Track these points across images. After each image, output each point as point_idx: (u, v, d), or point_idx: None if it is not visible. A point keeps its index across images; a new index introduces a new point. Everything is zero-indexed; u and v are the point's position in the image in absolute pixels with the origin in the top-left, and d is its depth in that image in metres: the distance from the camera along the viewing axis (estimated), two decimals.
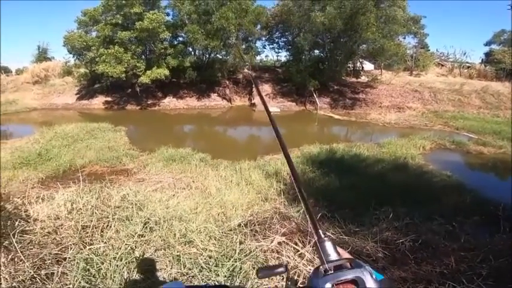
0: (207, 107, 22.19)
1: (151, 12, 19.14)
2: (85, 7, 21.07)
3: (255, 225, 3.45)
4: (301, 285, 0.51)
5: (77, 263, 2.47)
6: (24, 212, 3.52)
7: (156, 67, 20.52)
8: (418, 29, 20.80)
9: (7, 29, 76.85)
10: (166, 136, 12.86)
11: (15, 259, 2.47)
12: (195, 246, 2.87)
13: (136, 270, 2.54)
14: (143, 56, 21.22)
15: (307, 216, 0.67)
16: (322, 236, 0.57)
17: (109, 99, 23.06)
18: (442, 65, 31.01)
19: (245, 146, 12.90)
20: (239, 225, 3.44)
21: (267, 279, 2.42)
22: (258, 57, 28.46)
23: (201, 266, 2.58)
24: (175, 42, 22.72)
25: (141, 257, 2.71)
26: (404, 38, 21.68)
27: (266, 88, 22.74)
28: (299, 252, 2.87)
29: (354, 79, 23.79)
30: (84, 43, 20.30)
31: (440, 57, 33.23)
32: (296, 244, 2.97)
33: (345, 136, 14.52)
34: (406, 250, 2.89)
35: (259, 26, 23.01)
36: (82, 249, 2.72)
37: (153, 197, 4.50)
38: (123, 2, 18.73)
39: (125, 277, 2.43)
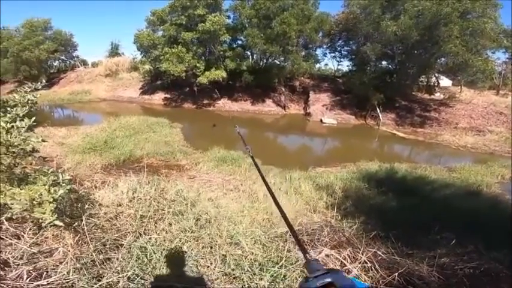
0: (261, 112, 22.76)
1: (213, 14, 20.53)
2: (155, 7, 23.52)
3: (302, 235, 3.52)
4: None
5: (134, 250, 2.75)
6: (91, 195, 3.99)
7: (215, 68, 21.88)
8: (511, 44, 18.64)
9: (87, 26, 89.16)
10: (219, 137, 13.52)
11: (80, 241, 2.75)
12: (240, 249, 3.03)
13: (182, 264, 2.76)
14: (203, 57, 22.72)
15: (295, 240, 0.78)
16: (309, 257, 0.71)
17: (168, 96, 25.23)
18: None
19: (297, 155, 12.96)
20: (286, 232, 3.54)
21: None
22: (317, 65, 28.25)
23: (245, 269, 2.71)
24: (234, 45, 23.90)
25: (188, 252, 2.93)
26: (494, 53, 19.58)
27: (323, 98, 22.51)
28: (346, 267, 2.88)
29: (426, 95, 22.22)
30: (151, 41, 22.59)
31: None
32: (345, 259, 2.99)
33: (408, 156, 13.71)
34: (464, 277, 2.75)
35: (320, 33, 22.97)
36: (138, 237, 3.02)
37: (204, 194, 4.86)
38: (188, 3, 20.36)
39: (172, 269, 2.66)
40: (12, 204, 2.31)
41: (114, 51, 38.01)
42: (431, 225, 4.15)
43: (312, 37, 21.54)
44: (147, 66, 26.33)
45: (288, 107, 23.27)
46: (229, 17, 23.36)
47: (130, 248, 2.81)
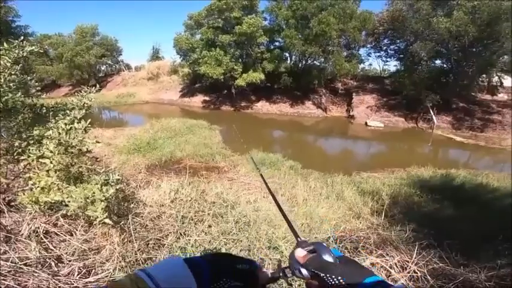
0: (300, 114, 22.58)
1: (249, 16, 20.87)
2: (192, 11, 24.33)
3: (346, 242, 3.45)
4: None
5: (174, 251, 2.86)
6: (136, 195, 4.19)
7: (252, 71, 22.20)
8: None
9: (131, 31, 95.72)
10: (257, 139, 13.63)
11: (125, 240, 2.86)
12: (279, 253, 3.04)
13: None
14: (240, 60, 23.15)
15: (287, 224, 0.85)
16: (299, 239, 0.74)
17: (207, 98, 26.08)
18: None
19: (339, 159, 12.62)
20: (328, 238, 3.47)
21: None
22: (360, 66, 27.54)
23: None
24: (272, 47, 24.06)
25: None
26: None
27: (368, 100, 21.74)
28: (392, 276, 2.79)
29: (487, 96, 20.44)
30: (190, 45, 23.53)
31: None
32: (391, 267, 2.89)
33: (466, 162, 12.77)
34: None
35: (364, 33, 22.33)
36: (179, 238, 3.12)
37: (243, 197, 4.92)
38: (224, 6, 20.88)
39: None
40: (69, 202, 2.49)
41: (155, 55, 40.24)
42: (491, 236, 3.90)
43: (354, 37, 21.00)
44: (186, 70, 27.46)
45: (329, 110, 22.82)
46: (265, 19, 23.60)
47: (171, 248, 2.92)
